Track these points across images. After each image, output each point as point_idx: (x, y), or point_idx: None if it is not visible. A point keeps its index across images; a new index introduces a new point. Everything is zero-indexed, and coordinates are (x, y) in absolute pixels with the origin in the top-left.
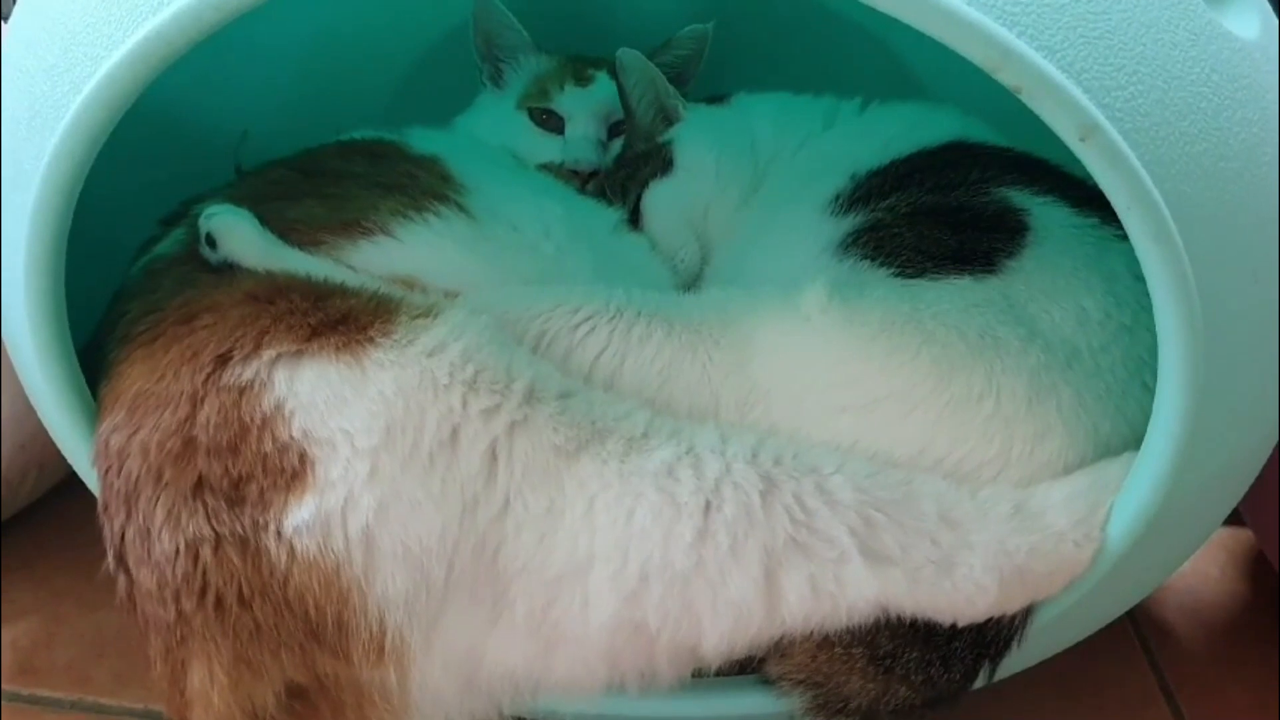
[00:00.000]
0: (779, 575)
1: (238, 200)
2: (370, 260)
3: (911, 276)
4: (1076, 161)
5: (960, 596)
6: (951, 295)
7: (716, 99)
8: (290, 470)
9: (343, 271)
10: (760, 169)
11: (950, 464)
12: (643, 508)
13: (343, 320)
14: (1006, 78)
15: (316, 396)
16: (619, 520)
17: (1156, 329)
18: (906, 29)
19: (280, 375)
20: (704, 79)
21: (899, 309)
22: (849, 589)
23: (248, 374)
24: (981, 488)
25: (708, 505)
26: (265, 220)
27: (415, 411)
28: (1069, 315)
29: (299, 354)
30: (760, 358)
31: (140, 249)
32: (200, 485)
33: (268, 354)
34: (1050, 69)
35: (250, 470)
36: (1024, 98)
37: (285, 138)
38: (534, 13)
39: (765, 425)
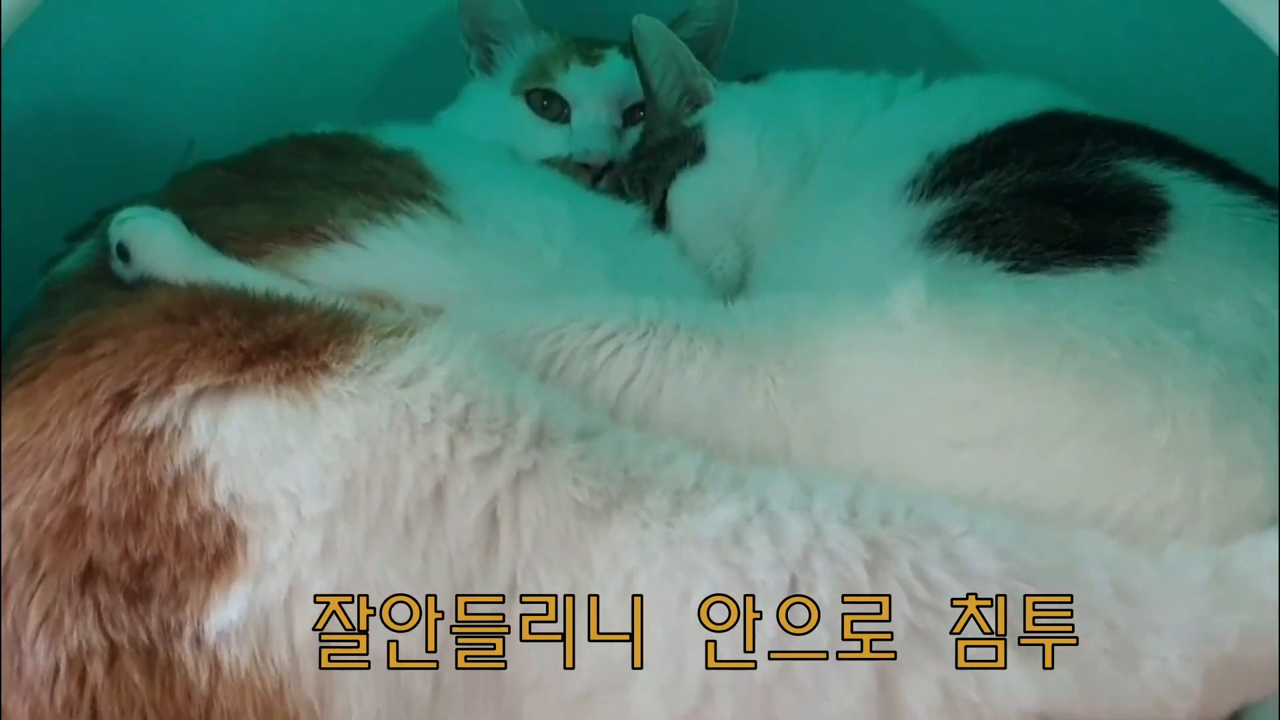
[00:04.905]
0: (898, 681)
1: (164, 206)
2: (327, 272)
3: (1029, 270)
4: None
5: (1150, 700)
6: (1087, 291)
7: (749, 79)
8: (213, 549)
9: (290, 284)
10: (810, 155)
11: (1118, 516)
12: (702, 589)
13: (287, 343)
14: None
15: (249, 445)
16: (670, 607)
17: None
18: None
19: (200, 418)
20: (723, 62)
21: (1024, 310)
22: (996, 696)
23: (156, 417)
24: (1164, 547)
25: (793, 584)
26: (197, 229)
27: (385, 461)
28: (1241, 313)
29: (227, 388)
30: (841, 380)
31: (42, 269)
32: (90, 574)
33: (184, 389)
34: None
35: (158, 551)
36: None
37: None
38: None
39: (855, 469)
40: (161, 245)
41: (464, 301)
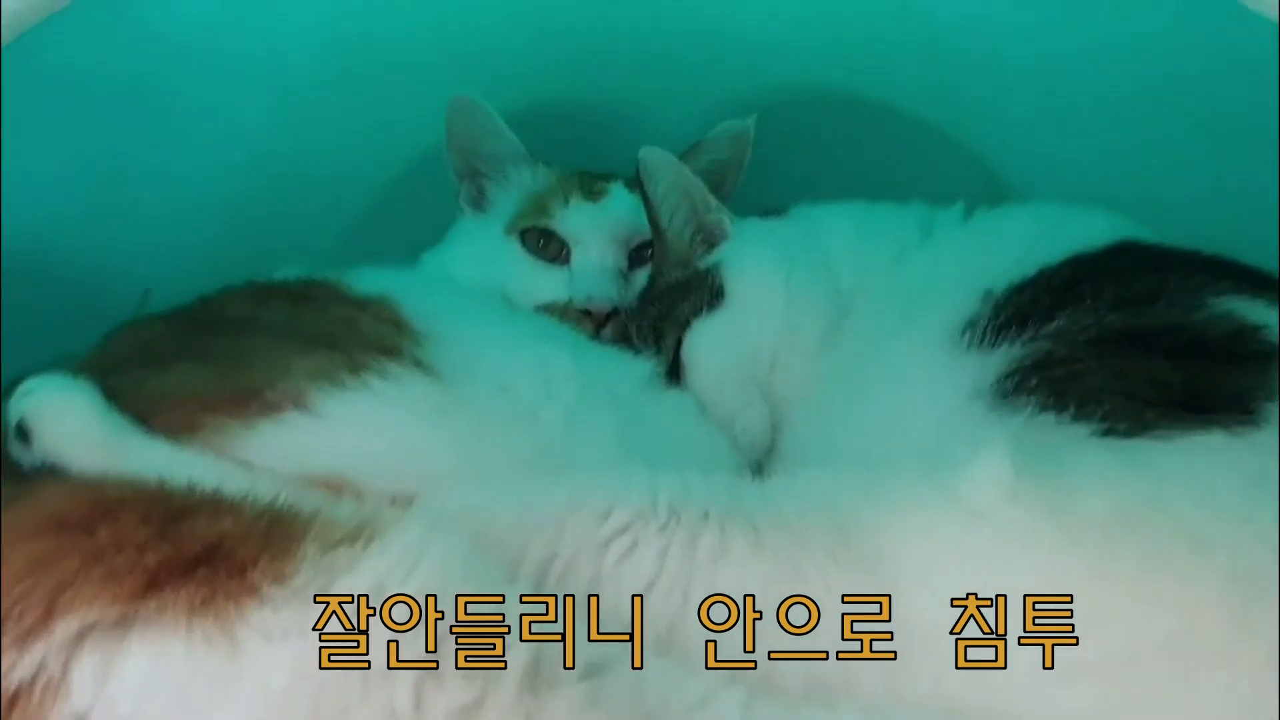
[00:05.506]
0: None
1: (85, 371)
2: (274, 450)
3: (1126, 434)
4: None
5: None
6: (1204, 462)
7: (769, 213)
8: None
9: (222, 470)
10: (844, 296)
11: None
12: None
13: (206, 557)
14: None
15: (148, 705)
16: None
17: None
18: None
19: (85, 666)
20: (738, 197)
21: (1134, 489)
22: None
23: (25, 667)
24: None
25: None
26: (120, 398)
27: None
28: None
29: (123, 623)
30: (912, 584)
31: None
32: None
33: (65, 626)
34: None
35: None
36: None
37: None
38: (521, 128)
39: (938, 704)
40: (69, 423)
41: (443, 481)
